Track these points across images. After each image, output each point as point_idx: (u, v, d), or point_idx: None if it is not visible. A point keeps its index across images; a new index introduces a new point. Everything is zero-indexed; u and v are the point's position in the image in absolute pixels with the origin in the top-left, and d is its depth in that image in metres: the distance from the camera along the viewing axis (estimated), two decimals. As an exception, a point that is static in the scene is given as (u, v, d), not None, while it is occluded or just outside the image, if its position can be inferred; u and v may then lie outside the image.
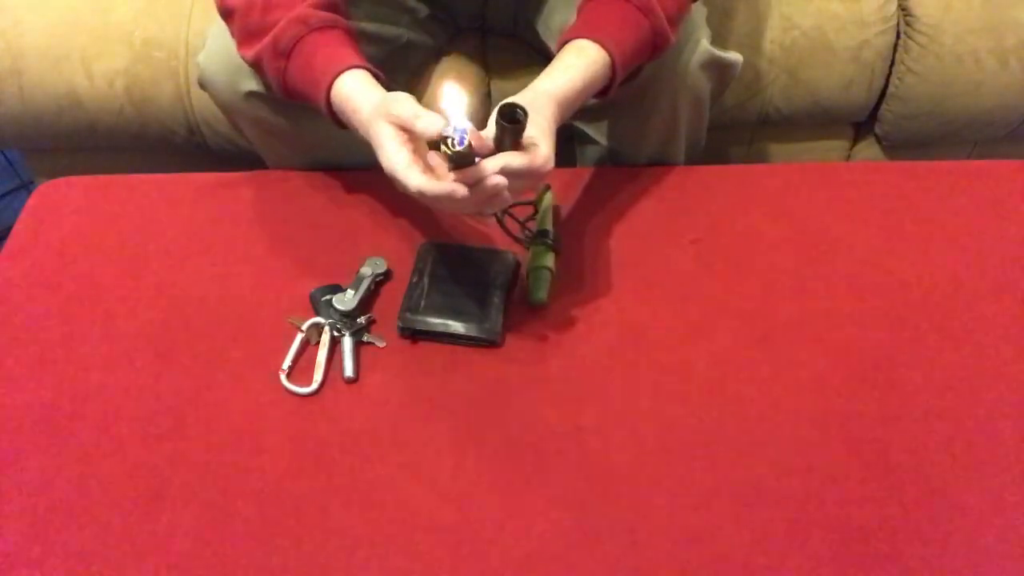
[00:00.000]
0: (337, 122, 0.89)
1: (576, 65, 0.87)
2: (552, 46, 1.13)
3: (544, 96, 0.84)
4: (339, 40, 0.90)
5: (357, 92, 0.85)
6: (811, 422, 0.84)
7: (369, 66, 0.88)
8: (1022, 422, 0.84)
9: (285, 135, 1.05)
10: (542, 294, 0.93)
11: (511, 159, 0.77)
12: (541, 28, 1.14)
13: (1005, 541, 0.76)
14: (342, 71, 0.86)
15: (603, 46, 0.87)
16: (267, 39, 0.88)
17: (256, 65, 0.93)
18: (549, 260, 0.94)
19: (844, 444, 0.83)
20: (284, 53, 0.88)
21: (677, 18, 0.93)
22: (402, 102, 0.79)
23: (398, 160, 0.78)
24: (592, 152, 1.17)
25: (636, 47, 0.90)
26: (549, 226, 0.98)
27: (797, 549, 0.76)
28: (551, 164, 0.80)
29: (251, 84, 0.97)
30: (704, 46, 0.99)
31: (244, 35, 0.92)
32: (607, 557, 0.75)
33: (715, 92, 1.07)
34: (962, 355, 0.90)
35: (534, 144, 0.79)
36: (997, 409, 0.85)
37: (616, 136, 1.12)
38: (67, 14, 1.25)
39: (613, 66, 0.88)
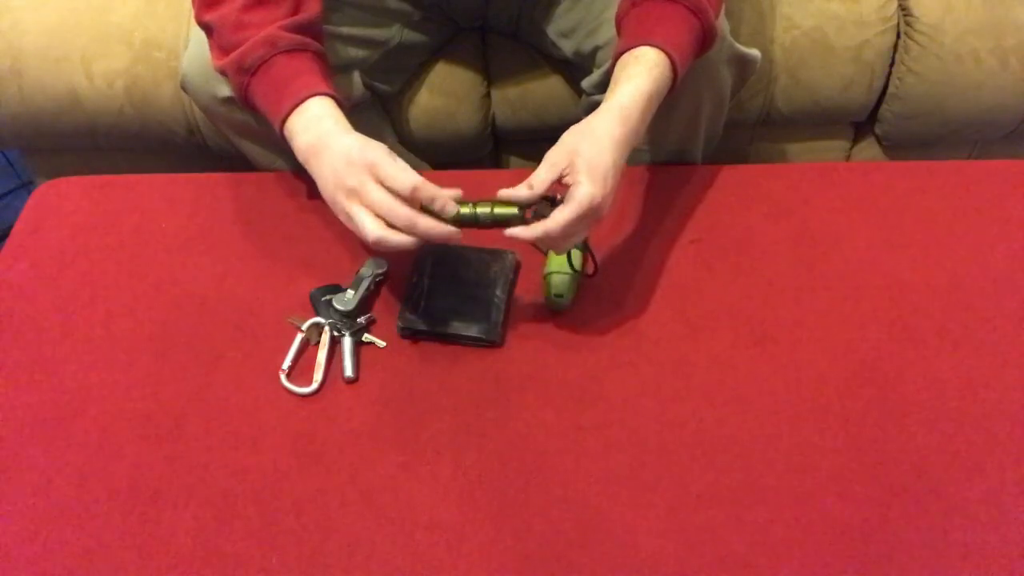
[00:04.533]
0: (285, 144, 0.87)
1: (640, 74, 0.85)
2: (563, 47, 1.14)
3: (608, 116, 0.83)
4: (307, 66, 0.88)
5: (328, 115, 0.84)
6: (811, 422, 0.84)
7: (333, 93, 0.87)
8: (1022, 422, 0.84)
9: (264, 139, 1.06)
10: (566, 300, 0.92)
11: (550, 224, 0.78)
12: (550, 29, 1.14)
13: (1005, 541, 0.76)
14: (309, 96, 0.85)
15: (663, 50, 0.85)
16: (233, 55, 0.87)
17: (222, 75, 0.93)
18: (577, 263, 0.94)
19: (844, 444, 0.83)
20: (249, 71, 0.87)
21: (719, 11, 0.92)
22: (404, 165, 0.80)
23: (386, 157, 0.78)
24: None
25: (691, 47, 0.89)
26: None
27: (797, 549, 0.76)
28: (595, 199, 0.78)
29: (228, 89, 0.97)
30: (728, 41, 0.99)
31: (217, 48, 0.91)
32: (607, 559, 0.75)
33: (735, 88, 1.06)
34: (962, 355, 0.90)
35: (576, 183, 0.78)
36: (997, 409, 0.85)
37: None
38: (67, 14, 1.24)
39: (674, 68, 0.86)
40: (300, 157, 0.85)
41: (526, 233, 0.80)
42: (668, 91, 0.88)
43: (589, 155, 0.80)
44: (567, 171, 0.80)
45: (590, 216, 0.80)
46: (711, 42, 0.91)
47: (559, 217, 0.78)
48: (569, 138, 0.82)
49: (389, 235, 0.77)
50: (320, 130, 0.84)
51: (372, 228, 0.77)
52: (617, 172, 0.81)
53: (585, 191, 0.78)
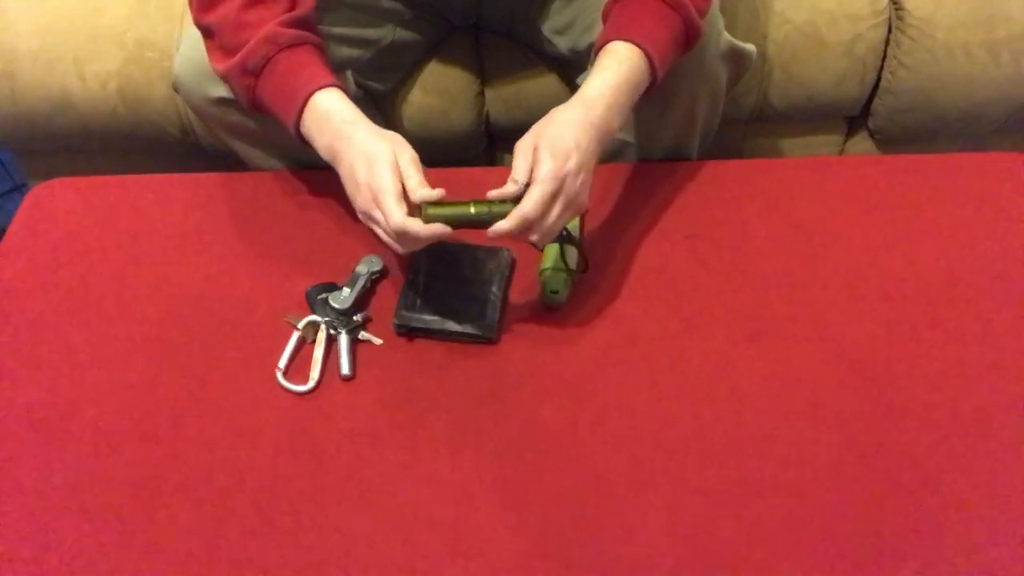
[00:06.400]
0: (300, 137, 0.89)
1: (610, 67, 0.86)
2: (558, 44, 1.14)
3: (571, 106, 0.85)
4: (308, 59, 0.89)
5: (336, 109, 0.86)
6: (807, 418, 0.85)
7: (336, 82, 0.88)
8: (1020, 419, 0.84)
9: (258, 139, 1.06)
10: (561, 296, 0.92)
11: (522, 208, 0.80)
12: (545, 27, 1.14)
13: (1004, 540, 0.76)
14: (315, 90, 0.86)
15: (637, 44, 0.86)
16: (236, 58, 0.88)
17: (225, 80, 0.93)
18: (571, 260, 0.94)
19: (840, 440, 0.83)
20: (254, 72, 0.88)
21: (705, 9, 0.92)
22: (410, 159, 0.83)
23: (389, 185, 0.80)
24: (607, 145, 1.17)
25: (670, 42, 0.89)
26: (576, 228, 0.97)
27: (794, 547, 0.76)
28: (557, 173, 0.80)
29: (221, 90, 0.97)
30: (724, 36, 0.99)
31: (218, 51, 0.92)
32: (605, 555, 0.76)
33: (731, 83, 1.07)
34: (957, 349, 0.90)
35: (539, 161, 0.80)
36: (992, 403, 0.85)
37: (633, 128, 1.10)
38: (59, 16, 1.24)
39: (652, 62, 0.87)
40: (325, 158, 0.88)
41: (505, 225, 0.80)
42: (650, 84, 0.89)
43: (549, 135, 0.82)
44: (534, 155, 0.82)
45: (562, 194, 0.80)
46: (695, 36, 0.91)
47: (528, 198, 0.80)
48: (534, 127, 0.85)
49: (411, 247, 0.84)
50: (331, 131, 0.86)
51: (397, 247, 0.84)
52: (583, 152, 0.82)
53: (547, 167, 0.80)
